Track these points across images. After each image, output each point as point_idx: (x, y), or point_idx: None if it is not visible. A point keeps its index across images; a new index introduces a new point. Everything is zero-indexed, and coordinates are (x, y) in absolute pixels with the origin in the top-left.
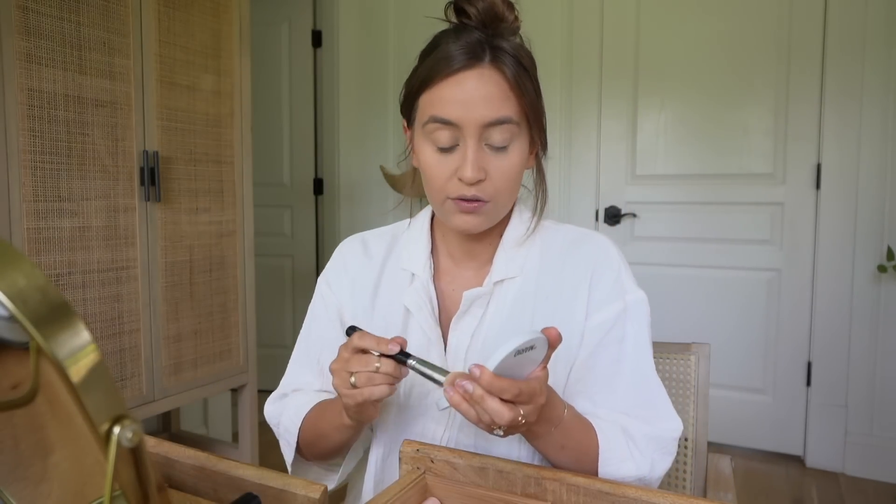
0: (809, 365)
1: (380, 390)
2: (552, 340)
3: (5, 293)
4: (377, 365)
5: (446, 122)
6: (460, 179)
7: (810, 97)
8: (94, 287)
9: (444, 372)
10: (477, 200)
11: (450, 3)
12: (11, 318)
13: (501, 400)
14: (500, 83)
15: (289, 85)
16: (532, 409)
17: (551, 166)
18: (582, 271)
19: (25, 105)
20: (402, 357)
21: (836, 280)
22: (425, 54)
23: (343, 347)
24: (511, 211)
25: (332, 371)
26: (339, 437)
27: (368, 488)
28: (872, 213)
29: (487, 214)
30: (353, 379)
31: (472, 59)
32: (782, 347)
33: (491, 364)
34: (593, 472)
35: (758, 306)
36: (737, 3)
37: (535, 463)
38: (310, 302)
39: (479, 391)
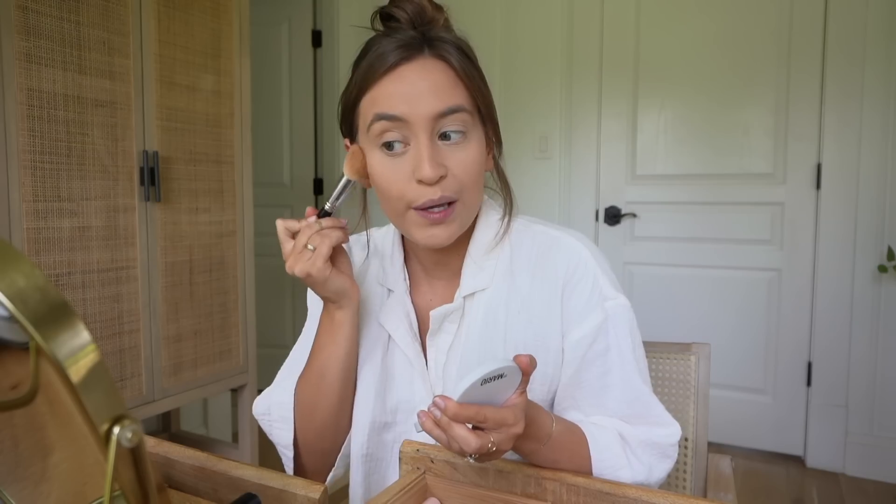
0: (809, 365)
1: (336, 234)
2: (524, 367)
3: (5, 293)
4: (317, 224)
5: (392, 118)
6: (420, 182)
7: (811, 97)
8: (93, 287)
9: (346, 183)
10: (448, 203)
11: (376, 11)
12: (11, 318)
13: (473, 427)
14: (446, 72)
15: (289, 85)
16: (503, 437)
17: (551, 166)
18: (552, 284)
19: (25, 105)
20: (324, 213)
21: (837, 280)
22: (358, 61)
23: (283, 243)
24: (477, 216)
25: (288, 262)
26: (337, 350)
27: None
28: (873, 213)
29: (457, 220)
30: (310, 246)
31: (411, 51)
32: (782, 347)
33: (456, 393)
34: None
35: (758, 306)
36: (737, 3)
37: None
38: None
39: (445, 419)
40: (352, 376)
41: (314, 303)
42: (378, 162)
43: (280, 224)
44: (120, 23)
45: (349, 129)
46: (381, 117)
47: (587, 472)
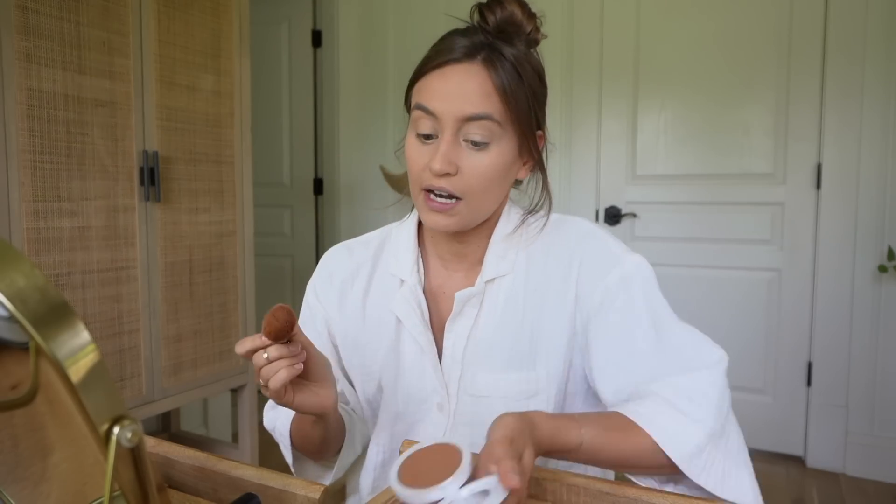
0: (810, 365)
1: (279, 377)
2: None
3: (5, 293)
4: (265, 355)
5: (427, 112)
6: (430, 170)
7: (811, 97)
8: (93, 287)
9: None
10: (450, 197)
11: (475, 6)
12: (11, 319)
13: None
14: (485, 82)
15: (289, 85)
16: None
17: (551, 167)
18: (565, 254)
19: (25, 105)
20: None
21: (837, 280)
22: (434, 46)
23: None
24: (500, 211)
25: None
26: (315, 432)
27: (365, 492)
28: (873, 213)
29: (460, 216)
30: (259, 381)
31: (465, 55)
32: (782, 347)
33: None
34: (662, 463)
35: (758, 306)
36: (737, 3)
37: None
38: None
39: None
40: (334, 438)
41: (304, 314)
42: (411, 143)
43: (239, 350)
44: (120, 23)
45: (407, 105)
46: (419, 107)
47: (651, 456)
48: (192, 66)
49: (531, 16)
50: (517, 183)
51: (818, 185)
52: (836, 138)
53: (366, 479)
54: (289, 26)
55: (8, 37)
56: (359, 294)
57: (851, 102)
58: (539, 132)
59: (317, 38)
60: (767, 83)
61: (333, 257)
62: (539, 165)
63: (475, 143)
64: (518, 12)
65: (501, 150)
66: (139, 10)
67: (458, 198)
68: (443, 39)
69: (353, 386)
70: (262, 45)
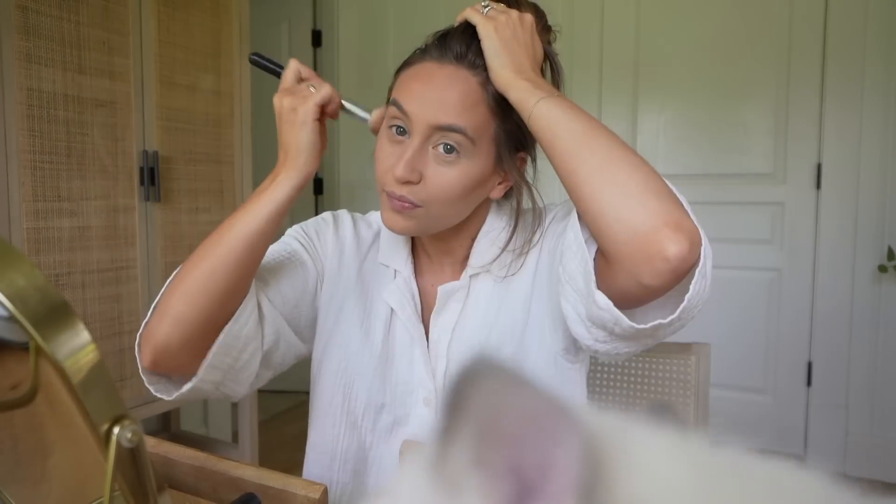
0: (810, 365)
1: (336, 94)
2: None
3: (5, 293)
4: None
5: (402, 111)
6: (392, 175)
7: (811, 96)
8: (93, 287)
9: (368, 110)
10: (406, 201)
11: (485, 3)
12: (11, 318)
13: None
14: (467, 92)
15: None
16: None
17: (551, 167)
18: (539, 245)
19: (25, 105)
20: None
21: (837, 280)
22: (431, 35)
23: (286, 79)
24: (481, 215)
25: (279, 95)
26: (261, 210)
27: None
28: (873, 213)
29: (418, 219)
30: (311, 87)
31: (454, 55)
32: (782, 347)
33: None
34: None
35: (758, 306)
36: (738, 3)
37: None
38: None
39: None
40: (256, 252)
41: (311, 230)
42: (382, 139)
43: (295, 63)
44: (120, 23)
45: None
46: (395, 104)
47: (646, 179)
48: (192, 66)
49: (546, 28)
50: (492, 201)
51: (818, 185)
52: (836, 137)
53: (333, 468)
54: (289, 26)
55: (8, 37)
56: (353, 269)
57: (851, 102)
58: (522, 153)
59: (317, 38)
60: (767, 83)
61: (343, 219)
62: (515, 188)
63: (444, 153)
64: (532, 20)
65: (472, 165)
66: (139, 10)
67: (416, 204)
68: (443, 33)
69: (294, 335)
70: (262, 45)
